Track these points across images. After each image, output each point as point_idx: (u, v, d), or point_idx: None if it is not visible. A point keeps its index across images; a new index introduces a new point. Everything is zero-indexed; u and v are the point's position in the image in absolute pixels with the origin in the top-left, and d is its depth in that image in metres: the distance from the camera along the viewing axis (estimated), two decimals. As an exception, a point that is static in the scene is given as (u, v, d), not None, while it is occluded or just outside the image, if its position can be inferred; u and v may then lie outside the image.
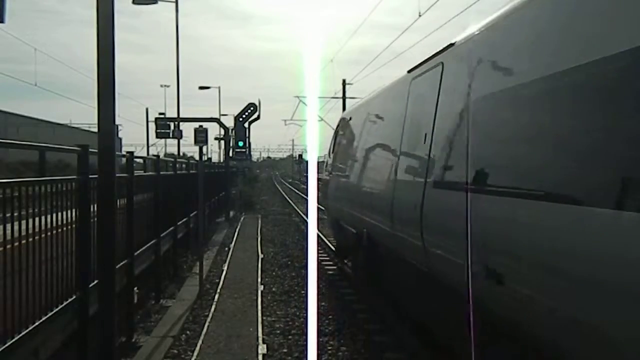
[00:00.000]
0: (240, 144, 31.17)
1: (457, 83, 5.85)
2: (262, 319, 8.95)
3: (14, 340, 4.38)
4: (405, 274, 7.43)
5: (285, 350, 7.68)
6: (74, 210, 5.80)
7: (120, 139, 56.35)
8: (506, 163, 4.56)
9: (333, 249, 14.90)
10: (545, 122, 4.06)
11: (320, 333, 8.29)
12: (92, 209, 5.95)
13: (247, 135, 31.56)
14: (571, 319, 3.65)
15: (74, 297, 5.69)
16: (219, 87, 49.18)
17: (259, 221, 24.87)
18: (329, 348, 7.79)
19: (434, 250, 5.97)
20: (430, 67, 6.80)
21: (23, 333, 4.55)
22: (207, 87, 41.32)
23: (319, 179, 14.53)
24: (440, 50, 6.55)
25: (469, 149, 5.06)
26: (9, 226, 4.51)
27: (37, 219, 4.93)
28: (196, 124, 26.14)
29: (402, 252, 7.36)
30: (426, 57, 7.04)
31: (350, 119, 12.22)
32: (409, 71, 7.83)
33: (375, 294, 9.68)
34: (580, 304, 3.51)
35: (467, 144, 5.10)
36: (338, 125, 13.82)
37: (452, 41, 6.20)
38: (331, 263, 14.11)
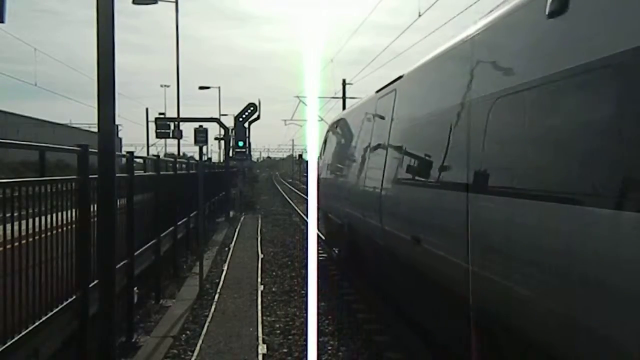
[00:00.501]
0: (240, 144, 31.14)
1: (404, 106, 7.76)
2: (262, 319, 8.96)
3: (14, 340, 4.38)
4: (372, 250, 9.23)
5: (285, 350, 7.68)
6: (74, 211, 5.80)
7: (120, 139, 56.37)
8: (420, 164, 6.73)
9: (323, 238, 16.13)
10: (441, 137, 5.87)
11: (320, 333, 8.29)
12: (92, 209, 5.95)
13: (247, 135, 31.52)
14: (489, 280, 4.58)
15: (74, 297, 5.69)
16: (219, 87, 49.24)
17: (259, 221, 24.88)
18: (329, 348, 7.79)
19: (388, 229, 7.78)
20: (389, 91, 8.54)
21: (23, 333, 4.56)
22: (207, 87, 41.35)
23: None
24: (395, 79, 8.36)
25: (405, 156, 7.32)
26: (9, 226, 4.52)
27: (37, 219, 4.93)
28: (196, 124, 26.24)
29: (370, 233, 9.09)
30: (389, 82, 8.73)
31: (336, 126, 14.07)
32: (376, 91, 9.56)
33: (355, 271, 11.51)
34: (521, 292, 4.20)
35: (404, 153, 7.34)
36: (327, 131, 15.53)
37: (402, 74, 8.06)
38: (322, 251, 15.52)
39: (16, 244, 4.56)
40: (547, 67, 3.87)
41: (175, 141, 29.29)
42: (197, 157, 15.58)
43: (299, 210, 29.56)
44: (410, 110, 7.47)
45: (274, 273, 13.11)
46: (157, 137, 32.42)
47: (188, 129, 38.45)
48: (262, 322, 8.80)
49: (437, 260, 5.88)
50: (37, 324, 4.82)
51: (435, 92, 6.62)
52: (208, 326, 8.56)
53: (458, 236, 5.03)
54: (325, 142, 15.36)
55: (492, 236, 4.51)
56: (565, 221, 3.47)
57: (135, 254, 8.31)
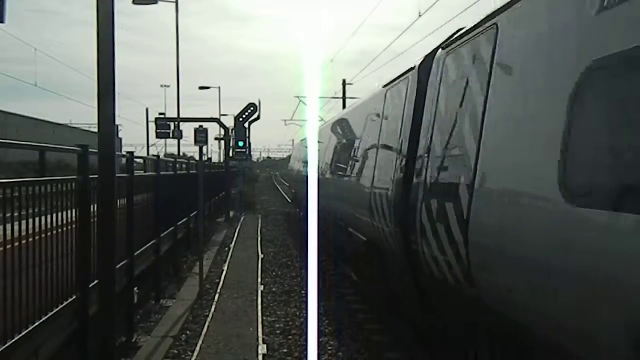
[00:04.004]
0: (240, 144, 31.09)
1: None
2: (262, 319, 8.96)
3: (14, 340, 4.38)
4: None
5: (285, 350, 7.68)
6: (74, 211, 5.80)
7: (120, 139, 56.28)
8: (375, 161, 8.21)
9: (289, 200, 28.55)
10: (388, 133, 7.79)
11: (320, 333, 8.29)
12: (92, 209, 5.95)
13: (247, 135, 31.48)
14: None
15: (74, 297, 5.69)
16: (219, 87, 49.27)
17: (259, 221, 24.87)
18: (329, 348, 7.79)
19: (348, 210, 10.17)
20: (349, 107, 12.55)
21: (23, 333, 4.55)
22: (207, 87, 41.36)
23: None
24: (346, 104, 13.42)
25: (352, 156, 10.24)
26: (9, 226, 4.51)
27: (37, 219, 4.93)
28: (196, 124, 26.09)
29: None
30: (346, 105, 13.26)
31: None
32: (344, 107, 14.72)
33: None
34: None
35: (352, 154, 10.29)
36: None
37: (356, 97, 11.76)
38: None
39: (16, 244, 4.55)
40: None
41: (175, 141, 29.34)
42: (197, 157, 15.57)
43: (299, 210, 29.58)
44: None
45: (274, 273, 13.10)
46: (157, 137, 32.34)
47: (188, 129, 38.41)
48: (262, 322, 8.80)
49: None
50: (37, 324, 4.82)
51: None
52: (208, 326, 8.56)
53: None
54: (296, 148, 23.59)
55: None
56: None
57: (135, 254, 8.30)
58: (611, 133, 3.19)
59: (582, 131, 3.35)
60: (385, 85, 8.41)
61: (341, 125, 12.58)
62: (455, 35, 5.79)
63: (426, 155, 5.84)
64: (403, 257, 6.44)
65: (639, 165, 2.89)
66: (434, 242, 5.30)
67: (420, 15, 15.18)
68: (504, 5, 4.62)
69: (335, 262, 12.60)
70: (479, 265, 4.46)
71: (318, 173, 13.46)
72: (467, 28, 5.45)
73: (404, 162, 6.57)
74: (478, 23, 5.10)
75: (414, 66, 6.94)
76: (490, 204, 4.36)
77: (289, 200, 29.40)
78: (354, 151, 10.07)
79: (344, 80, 37.22)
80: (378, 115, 8.52)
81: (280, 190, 54.63)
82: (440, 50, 6.13)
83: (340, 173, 11.23)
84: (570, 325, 3.34)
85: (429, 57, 6.48)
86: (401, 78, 7.49)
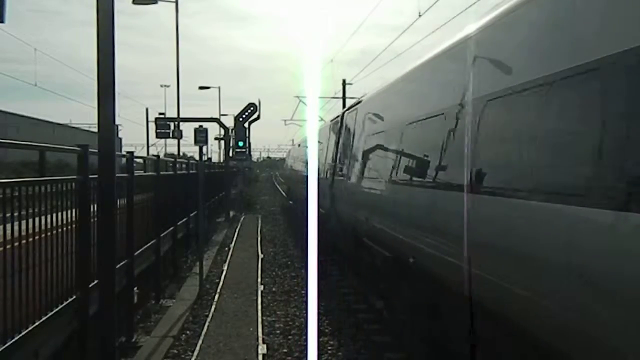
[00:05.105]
0: (240, 144, 31.11)
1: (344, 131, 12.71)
2: (262, 319, 8.96)
3: (14, 340, 4.38)
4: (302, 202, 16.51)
5: (285, 350, 7.68)
6: (74, 211, 5.80)
7: (120, 139, 56.31)
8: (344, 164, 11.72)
9: (284, 194, 34.31)
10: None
11: (320, 333, 8.29)
12: (92, 209, 5.95)
13: (247, 135, 31.50)
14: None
15: (74, 297, 5.69)
16: (219, 87, 49.23)
17: (259, 221, 24.87)
18: (329, 348, 7.79)
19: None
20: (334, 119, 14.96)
21: (23, 333, 4.55)
22: (207, 87, 41.35)
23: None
24: (335, 117, 14.72)
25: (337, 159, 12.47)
26: (9, 226, 4.51)
27: (37, 219, 4.93)
28: (196, 124, 26.24)
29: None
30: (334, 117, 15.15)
31: (299, 145, 28.61)
32: (332, 120, 14.96)
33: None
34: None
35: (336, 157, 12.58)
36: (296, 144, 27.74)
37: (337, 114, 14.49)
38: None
39: (16, 244, 4.55)
40: None
41: (175, 141, 29.29)
42: (197, 157, 15.58)
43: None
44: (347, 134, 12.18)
45: (273, 273, 13.11)
46: (157, 137, 32.35)
47: (188, 129, 38.42)
48: (262, 322, 8.80)
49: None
50: (37, 324, 4.82)
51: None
52: (208, 326, 8.56)
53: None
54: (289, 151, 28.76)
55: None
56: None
57: (135, 254, 8.30)
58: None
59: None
60: (331, 120, 14.96)
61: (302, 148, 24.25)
62: (351, 105, 12.15)
63: (339, 161, 11.98)
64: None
65: None
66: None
67: (420, 15, 15.17)
68: (357, 102, 11.35)
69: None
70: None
71: (290, 171, 23.94)
72: (353, 103, 12.08)
73: (332, 164, 12.79)
74: (353, 104, 11.73)
75: (339, 115, 13.41)
76: (344, 189, 10.88)
77: (285, 195, 33.95)
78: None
79: (344, 80, 37.20)
80: (329, 136, 14.26)
81: (280, 190, 54.63)
82: (345, 112, 12.53)
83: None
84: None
85: (343, 114, 12.76)
86: (337, 118, 13.46)
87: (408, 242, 6.43)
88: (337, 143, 12.50)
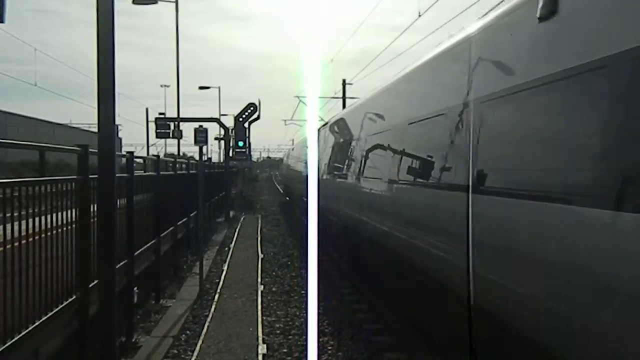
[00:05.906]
0: (240, 144, 31.13)
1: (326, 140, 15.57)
2: (262, 319, 8.96)
3: (14, 340, 4.38)
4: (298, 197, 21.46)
5: (285, 350, 7.68)
6: (74, 211, 5.80)
7: (120, 139, 56.33)
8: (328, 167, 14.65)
9: (282, 191, 38.18)
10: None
11: (320, 333, 8.29)
12: (92, 209, 5.95)
13: (247, 135, 31.51)
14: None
15: (74, 297, 5.70)
16: (219, 87, 49.22)
17: (259, 221, 24.88)
18: (329, 348, 7.79)
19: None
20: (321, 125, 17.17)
21: (23, 333, 4.55)
22: (207, 87, 41.33)
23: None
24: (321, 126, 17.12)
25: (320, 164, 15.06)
26: (9, 226, 4.51)
27: (37, 219, 4.93)
28: (196, 124, 26.28)
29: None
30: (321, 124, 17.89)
31: (293, 149, 32.87)
32: (318, 129, 16.28)
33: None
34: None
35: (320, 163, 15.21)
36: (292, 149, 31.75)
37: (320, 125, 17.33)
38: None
39: (16, 244, 4.55)
40: None
41: (175, 141, 29.29)
42: (197, 157, 15.58)
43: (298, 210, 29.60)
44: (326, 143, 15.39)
45: (273, 273, 13.11)
46: (157, 137, 32.37)
47: (188, 129, 38.42)
48: (262, 322, 8.80)
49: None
50: (37, 324, 4.82)
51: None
52: (208, 326, 8.56)
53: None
54: (288, 153, 31.18)
55: None
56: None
57: (135, 254, 8.30)
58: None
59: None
60: (318, 129, 16.34)
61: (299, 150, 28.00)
62: (327, 121, 15.79)
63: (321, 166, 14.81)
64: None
65: None
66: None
67: (420, 16, 15.17)
68: (327, 122, 15.83)
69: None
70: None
71: (287, 170, 29.32)
72: (329, 119, 15.56)
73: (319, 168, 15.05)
74: (325, 123, 15.82)
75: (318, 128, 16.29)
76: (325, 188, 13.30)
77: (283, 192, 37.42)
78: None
79: (344, 80, 37.17)
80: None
81: (280, 190, 54.65)
82: (321, 126, 15.89)
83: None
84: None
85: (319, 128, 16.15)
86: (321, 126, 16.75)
87: (360, 220, 9.36)
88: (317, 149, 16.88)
